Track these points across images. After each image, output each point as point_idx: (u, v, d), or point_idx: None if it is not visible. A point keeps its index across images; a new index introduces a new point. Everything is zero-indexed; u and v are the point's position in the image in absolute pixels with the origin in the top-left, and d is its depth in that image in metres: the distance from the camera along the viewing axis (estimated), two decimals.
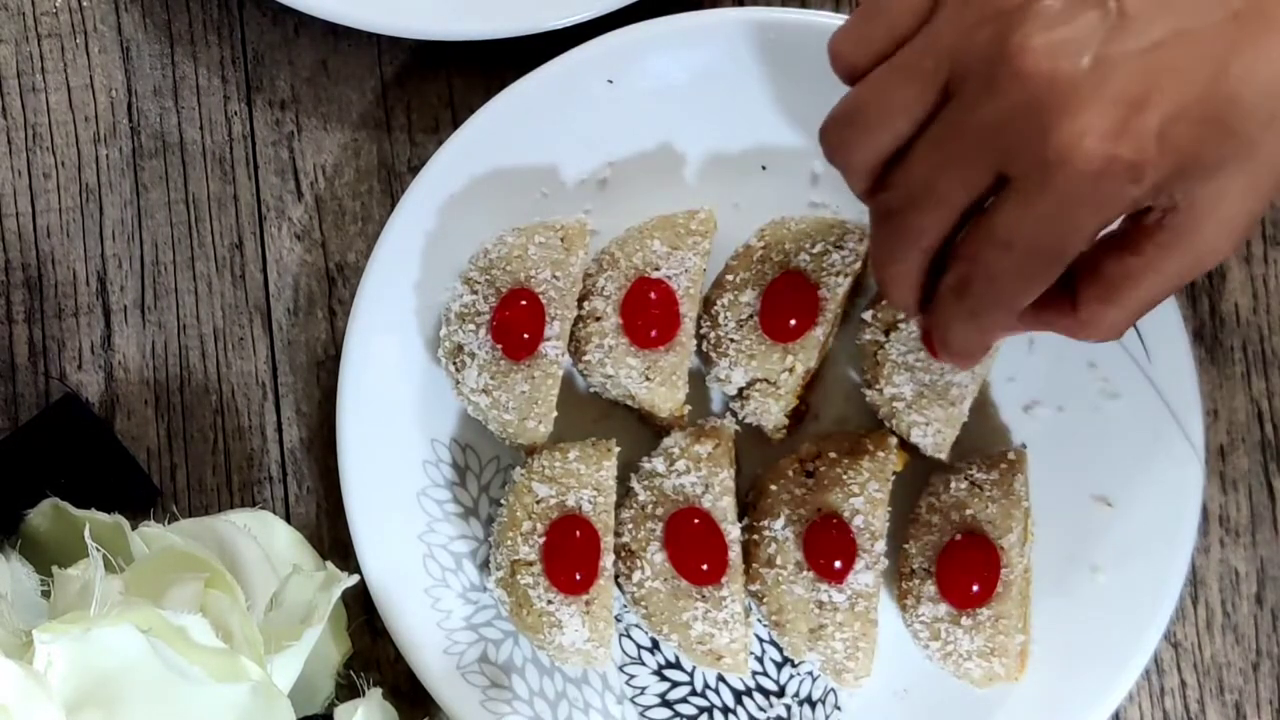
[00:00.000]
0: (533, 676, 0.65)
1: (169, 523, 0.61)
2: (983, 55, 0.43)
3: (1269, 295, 0.67)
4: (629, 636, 0.66)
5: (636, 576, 0.62)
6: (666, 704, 0.65)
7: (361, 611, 0.66)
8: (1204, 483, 0.63)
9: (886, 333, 0.62)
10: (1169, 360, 0.63)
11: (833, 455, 0.62)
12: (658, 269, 0.62)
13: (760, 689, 0.65)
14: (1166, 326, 0.63)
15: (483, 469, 0.66)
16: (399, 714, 0.62)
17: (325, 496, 0.67)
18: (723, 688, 0.65)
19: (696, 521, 0.61)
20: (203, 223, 0.68)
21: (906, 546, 0.63)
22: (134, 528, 0.59)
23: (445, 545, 0.65)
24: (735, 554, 0.61)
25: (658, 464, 0.62)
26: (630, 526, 0.62)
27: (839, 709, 0.65)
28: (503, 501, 0.63)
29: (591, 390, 0.65)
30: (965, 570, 0.61)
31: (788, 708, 0.65)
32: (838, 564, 0.60)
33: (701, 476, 0.61)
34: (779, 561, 0.61)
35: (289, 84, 0.68)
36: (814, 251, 0.62)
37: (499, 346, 0.61)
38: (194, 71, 0.68)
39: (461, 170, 0.65)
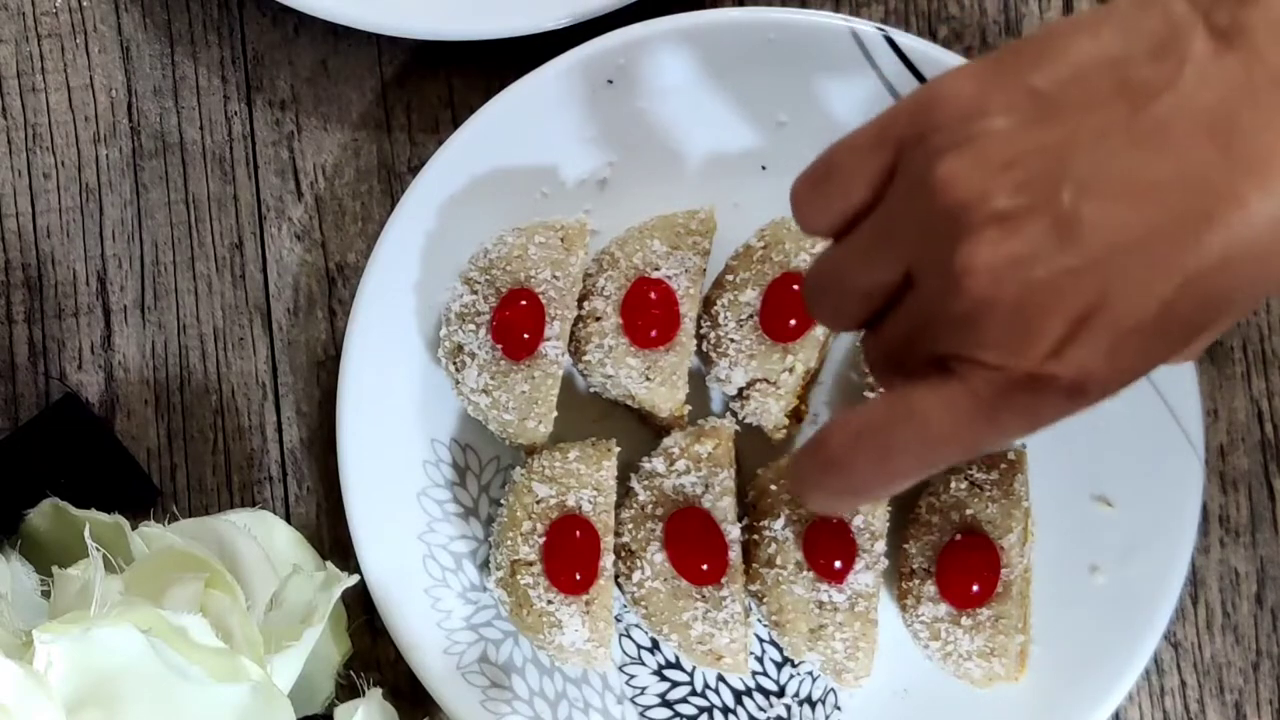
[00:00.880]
0: (533, 676, 0.65)
1: (169, 523, 0.61)
2: (934, 262, 0.42)
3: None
4: (629, 636, 0.66)
5: (636, 576, 0.62)
6: (666, 704, 0.65)
7: (361, 611, 0.66)
8: (1204, 482, 0.63)
9: None
10: None
11: None
12: (658, 269, 0.62)
13: (760, 689, 0.65)
14: None
15: (483, 469, 0.66)
16: (399, 714, 0.61)
17: (325, 496, 0.67)
18: (723, 688, 0.65)
19: (696, 522, 0.61)
20: (203, 223, 0.68)
21: (906, 546, 0.63)
22: (134, 528, 0.59)
23: (445, 545, 0.65)
24: (735, 554, 0.61)
25: (658, 464, 0.62)
26: (630, 526, 0.62)
27: (839, 709, 0.65)
28: (503, 501, 0.63)
29: (591, 390, 0.65)
30: (965, 570, 0.61)
31: (788, 708, 0.65)
32: (838, 564, 0.60)
33: (701, 476, 0.61)
34: (779, 561, 0.61)
35: (289, 84, 0.68)
36: (814, 251, 0.62)
37: (499, 346, 0.61)
38: (194, 71, 0.68)
39: (461, 170, 0.64)
